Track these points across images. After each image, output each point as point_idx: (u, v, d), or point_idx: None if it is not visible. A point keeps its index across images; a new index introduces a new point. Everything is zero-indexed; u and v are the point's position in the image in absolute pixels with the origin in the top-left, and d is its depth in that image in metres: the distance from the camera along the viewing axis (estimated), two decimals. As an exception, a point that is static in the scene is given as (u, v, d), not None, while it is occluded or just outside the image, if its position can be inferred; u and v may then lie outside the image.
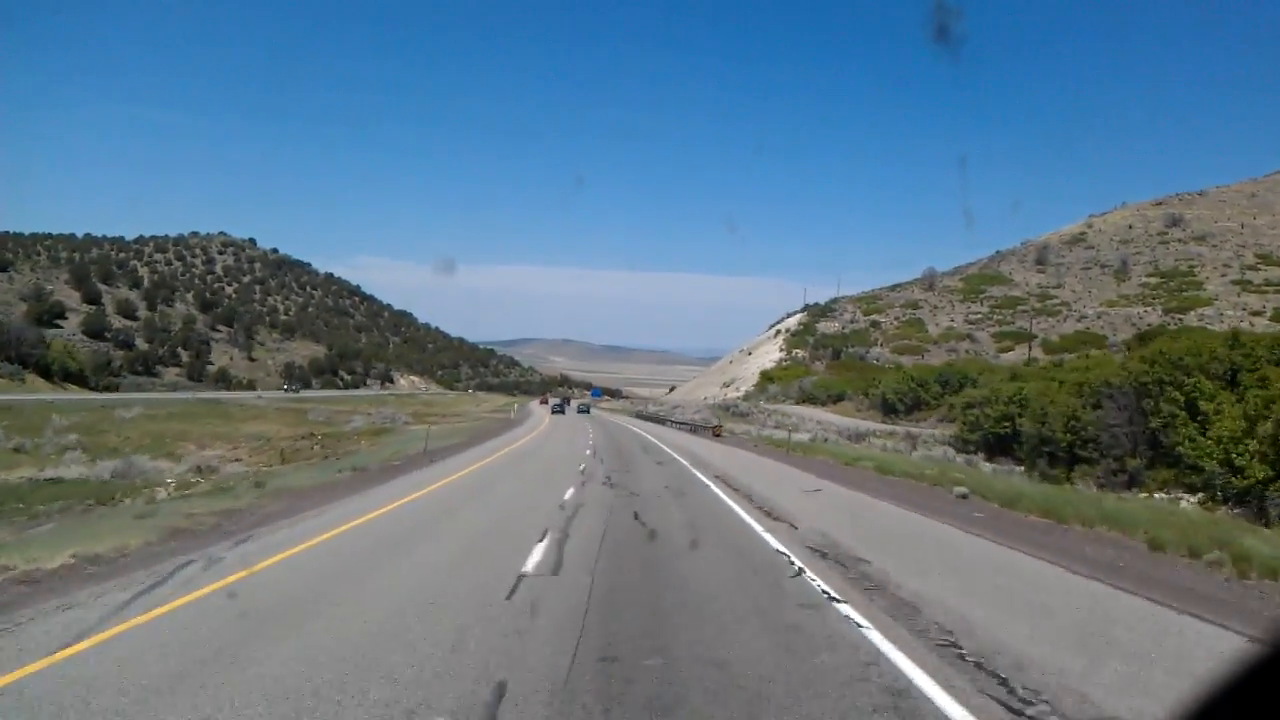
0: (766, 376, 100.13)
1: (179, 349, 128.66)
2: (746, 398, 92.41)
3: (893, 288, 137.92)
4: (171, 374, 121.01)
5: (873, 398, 64.85)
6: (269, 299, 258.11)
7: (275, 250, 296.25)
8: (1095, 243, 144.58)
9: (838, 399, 71.07)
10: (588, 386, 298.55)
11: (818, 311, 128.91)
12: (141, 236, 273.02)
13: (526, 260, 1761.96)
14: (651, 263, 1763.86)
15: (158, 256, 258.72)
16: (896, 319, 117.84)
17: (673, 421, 61.26)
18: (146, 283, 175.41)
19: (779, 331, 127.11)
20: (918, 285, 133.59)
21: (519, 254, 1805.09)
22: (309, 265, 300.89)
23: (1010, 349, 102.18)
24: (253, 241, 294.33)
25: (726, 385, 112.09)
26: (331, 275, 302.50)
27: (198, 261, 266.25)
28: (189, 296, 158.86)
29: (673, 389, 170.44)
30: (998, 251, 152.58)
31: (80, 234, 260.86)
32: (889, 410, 61.63)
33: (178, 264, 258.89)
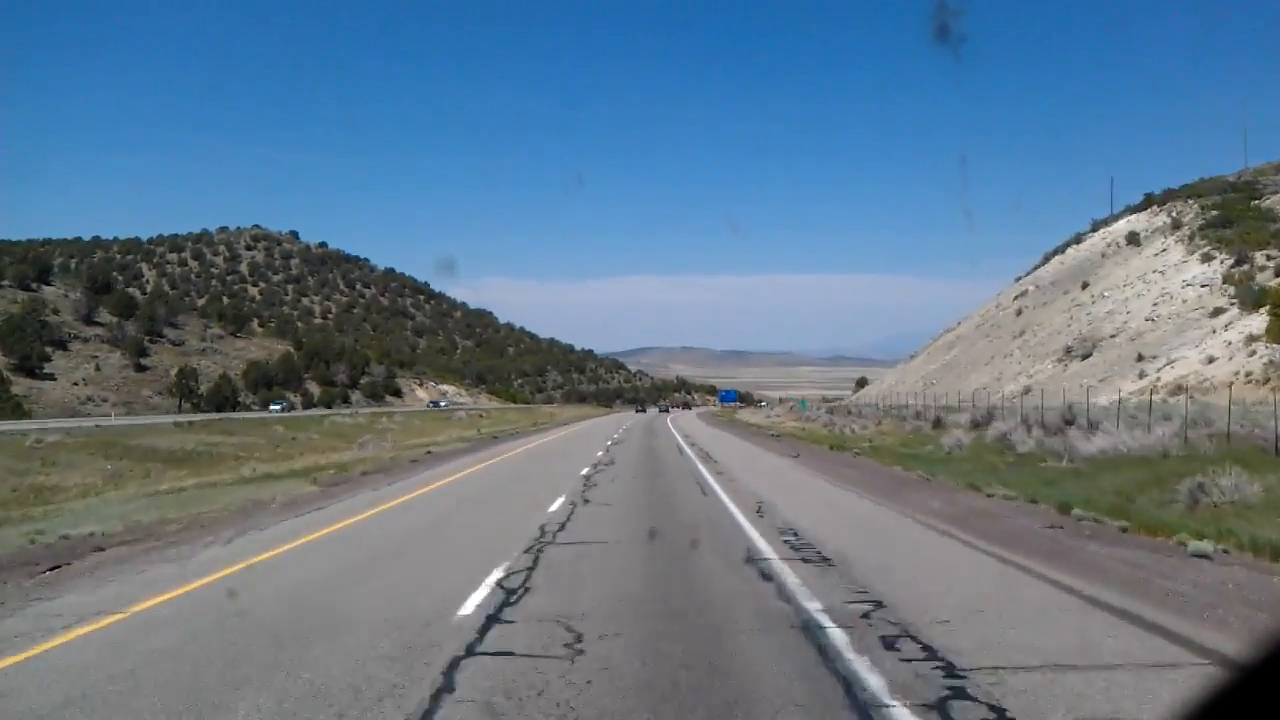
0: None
1: (-18, 350, 71.80)
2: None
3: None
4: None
5: None
6: (303, 299, 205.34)
7: (323, 244, 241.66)
8: None
9: None
10: (711, 391, 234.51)
11: (1217, 189, 60.60)
12: (159, 235, 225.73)
13: (645, 270, 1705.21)
14: (768, 265, 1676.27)
15: (171, 256, 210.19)
16: None
17: None
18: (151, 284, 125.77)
19: (1178, 224, 59.50)
20: None
21: (637, 265, 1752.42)
22: (365, 260, 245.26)
23: None
24: (294, 235, 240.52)
25: (1146, 358, 45.49)
26: (391, 270, 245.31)
27: (219, 259, 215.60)
28: (67, 276, 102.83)
29: (862, 382, 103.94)
30: None
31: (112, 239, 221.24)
32: None
33: (194, 263, 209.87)
